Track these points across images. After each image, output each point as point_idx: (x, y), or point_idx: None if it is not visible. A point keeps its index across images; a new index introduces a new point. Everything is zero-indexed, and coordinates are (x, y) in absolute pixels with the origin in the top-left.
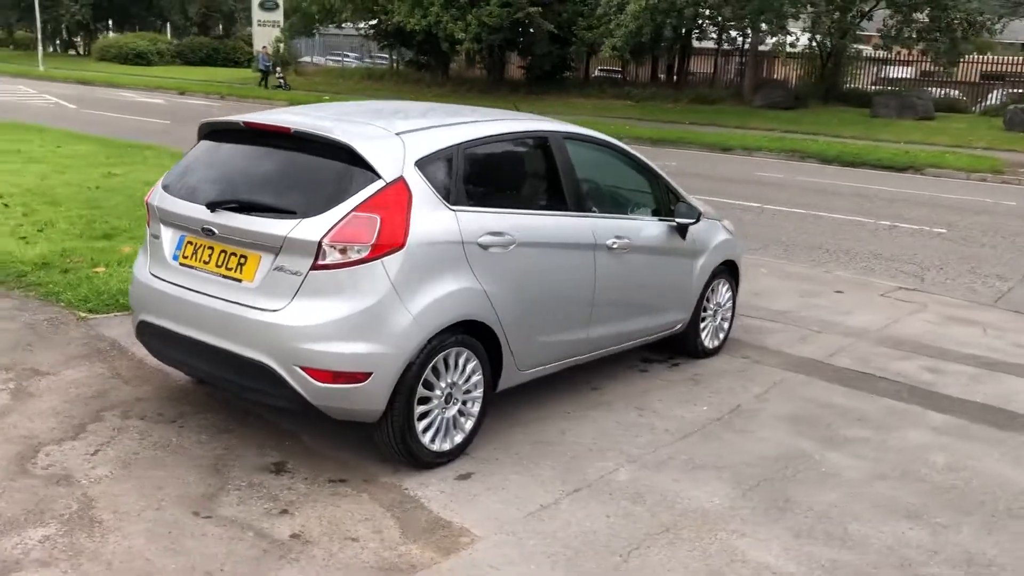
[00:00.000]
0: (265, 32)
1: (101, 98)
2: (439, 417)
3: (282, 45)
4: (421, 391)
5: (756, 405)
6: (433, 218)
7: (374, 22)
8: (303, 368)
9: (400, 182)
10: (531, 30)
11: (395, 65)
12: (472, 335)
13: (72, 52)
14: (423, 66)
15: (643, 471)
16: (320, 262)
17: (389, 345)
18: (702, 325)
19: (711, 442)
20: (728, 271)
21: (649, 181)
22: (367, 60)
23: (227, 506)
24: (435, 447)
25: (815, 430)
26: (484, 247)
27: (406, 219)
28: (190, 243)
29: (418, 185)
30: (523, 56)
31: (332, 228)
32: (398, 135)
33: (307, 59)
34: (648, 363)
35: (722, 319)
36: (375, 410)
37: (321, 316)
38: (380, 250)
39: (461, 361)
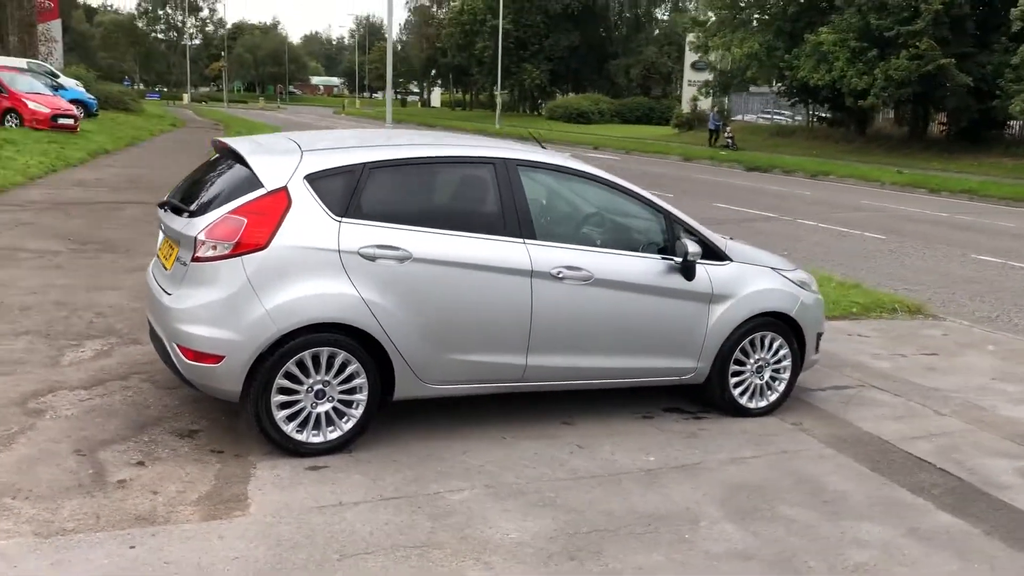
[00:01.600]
0: (694, 92)
1: None
2: (306, 410)
3: (699, 102)
4: (283, 382)
5: (717, 467)
6: (309, 226)
7: (781, 80)
8: (177, 345)
9: (281, 192)
10: (946, 84)
11: (810, 122)
12: (356, 340)
13: (535, 112)
14: (834, 122)
15: (484, 498)
16: (197, 254)
17: (240, 334)
18: (734, 380)
19: (601, 488)
20: (786, 325)
21: (653, 216)
22: (798, 118)
23: (110, 451)
24: (300, 437)
25: (747, 502)
26: (370, 258)
27: (275, 224)
28: (164, 239)
29: (302, 196)
30: (940, 111)
31: (207, 226)
32: (303, 152)
33: (739, 116)
34: (669, 411)
35: (771, 378)
36: (232, 391)
37: (192, 301)
38: (241, 248)
39: (337, 362)
